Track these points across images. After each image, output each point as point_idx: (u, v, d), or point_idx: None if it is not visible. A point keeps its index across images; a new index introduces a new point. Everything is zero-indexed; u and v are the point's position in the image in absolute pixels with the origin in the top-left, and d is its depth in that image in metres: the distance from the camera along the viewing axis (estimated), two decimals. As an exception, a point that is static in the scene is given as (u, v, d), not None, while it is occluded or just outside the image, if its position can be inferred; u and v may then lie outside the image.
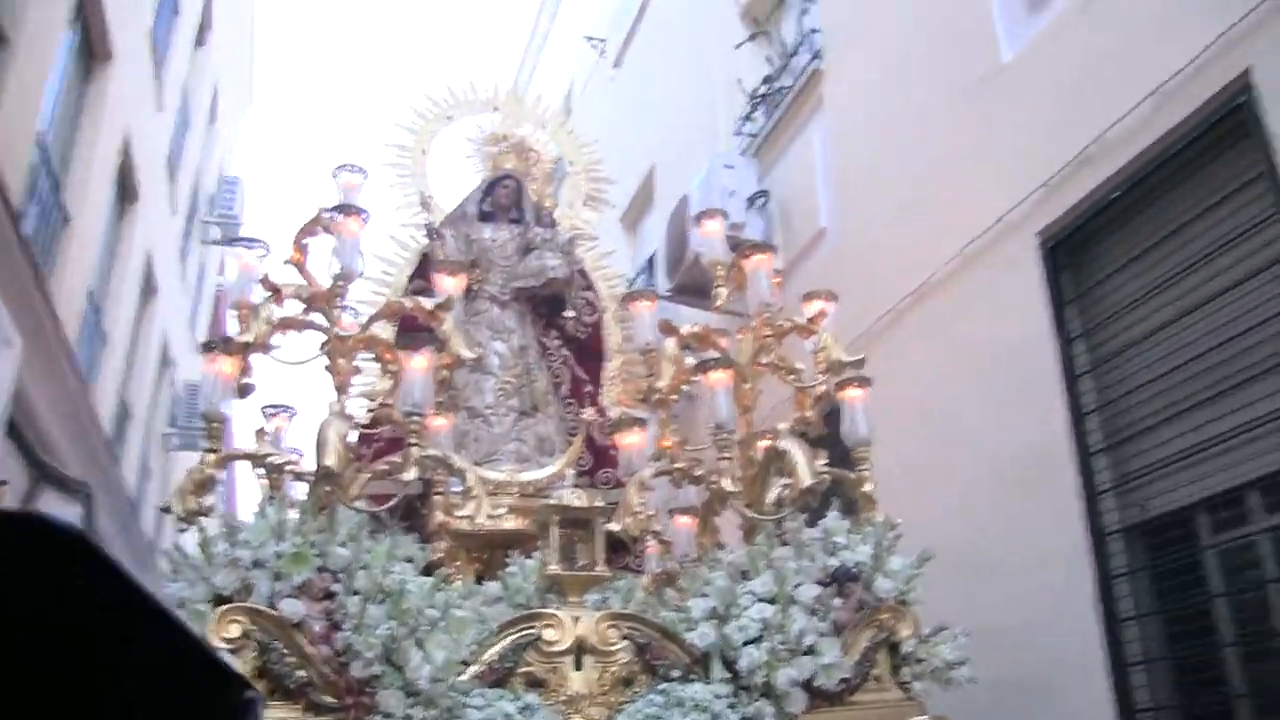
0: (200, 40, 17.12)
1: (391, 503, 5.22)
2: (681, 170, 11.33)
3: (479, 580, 5.82)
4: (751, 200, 9.43)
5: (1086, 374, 5.82)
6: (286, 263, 5.59)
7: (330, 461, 4.67)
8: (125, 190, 12.95)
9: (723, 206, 8.09)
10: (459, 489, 5.84)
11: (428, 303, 5.78)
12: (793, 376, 5.81)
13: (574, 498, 5.24)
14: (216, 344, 5.34)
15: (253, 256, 5.67)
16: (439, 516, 5.93)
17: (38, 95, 9.11)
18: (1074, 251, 6.04)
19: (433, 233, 7.16)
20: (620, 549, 6.04)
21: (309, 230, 5.51)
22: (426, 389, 5.13)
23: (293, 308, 5.43)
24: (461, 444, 6.51)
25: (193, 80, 17.03)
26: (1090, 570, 5.53)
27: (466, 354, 5.85)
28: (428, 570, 5.19)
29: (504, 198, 7.56)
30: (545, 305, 7.39)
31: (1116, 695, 5.30)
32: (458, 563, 6.09)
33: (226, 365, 5.17)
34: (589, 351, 7.45)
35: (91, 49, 10.87)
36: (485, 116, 7.96)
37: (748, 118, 10.42)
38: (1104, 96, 5.71)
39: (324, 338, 5.41)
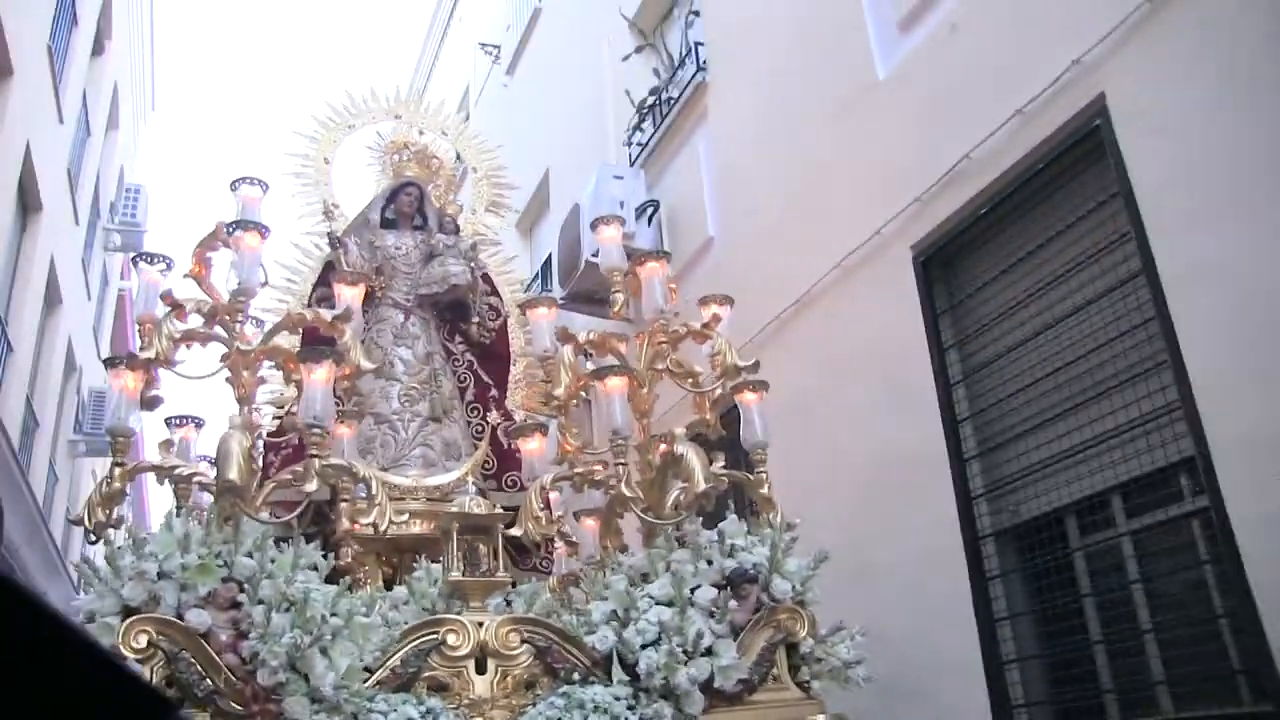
0: (98, 49, 17.02)
1: (297, 511, 5.19)
2: (576, 177, 11.31)
3: (388, 584, 5.79)
4: (641, 210, 9.46)
5: (960, 383, 5.95)
6: (187, 276, 5.56)
7: (232, 475, 4.66)
8: (26, 202, 12.97)
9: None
10: (362, 495, 5.73)
11: (327, 314, 5.77)
12: (691, 380, 5.85)
13: (475, 505, 5.27)
14: (120, 359, 5.33)
15: (155, 271, 5.63)
16: (345, 523, 5.81)
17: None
18: (946, 264, 6.17)
19: (335, 241, 7.03)
20: (527, 550, 6.15)
21: (209, 244, 5.49)
22: (327, 401, 5.10)
23: (197, 320, 5.40)
24: (369, 450, 6.52)
25: (91, 89, 16.84)
26: (966, 572, 5.65)
27: (366, 365, 5.84)
28: (337, 576, 5.20)
29: (406, 205, 7.50)
30: (449, 311, 7.36)
31: (991, 693, 5.41)
32: (366, 567, 6.05)
33: (130, 380, 5.18)
34: (494, 355, 7.46)
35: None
36: (387, 123, 7.86)
37: (637, 128, 10.45)
38: (971, 115, 5.88)
39: (226, 350, 5.39)
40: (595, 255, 8.76)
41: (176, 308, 5.38)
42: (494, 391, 7.26)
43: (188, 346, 5.48)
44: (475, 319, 7.28)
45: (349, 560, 5.91)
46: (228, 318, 5.39)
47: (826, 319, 7.09)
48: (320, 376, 5.05)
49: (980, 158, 5.77)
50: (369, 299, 6.92)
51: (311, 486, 4.94)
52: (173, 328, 5.33)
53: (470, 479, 6.22)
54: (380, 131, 7.83)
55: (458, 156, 8.32)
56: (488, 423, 7.05)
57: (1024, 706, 5.35)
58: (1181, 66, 4.81)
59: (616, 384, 5.38)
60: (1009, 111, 5.58)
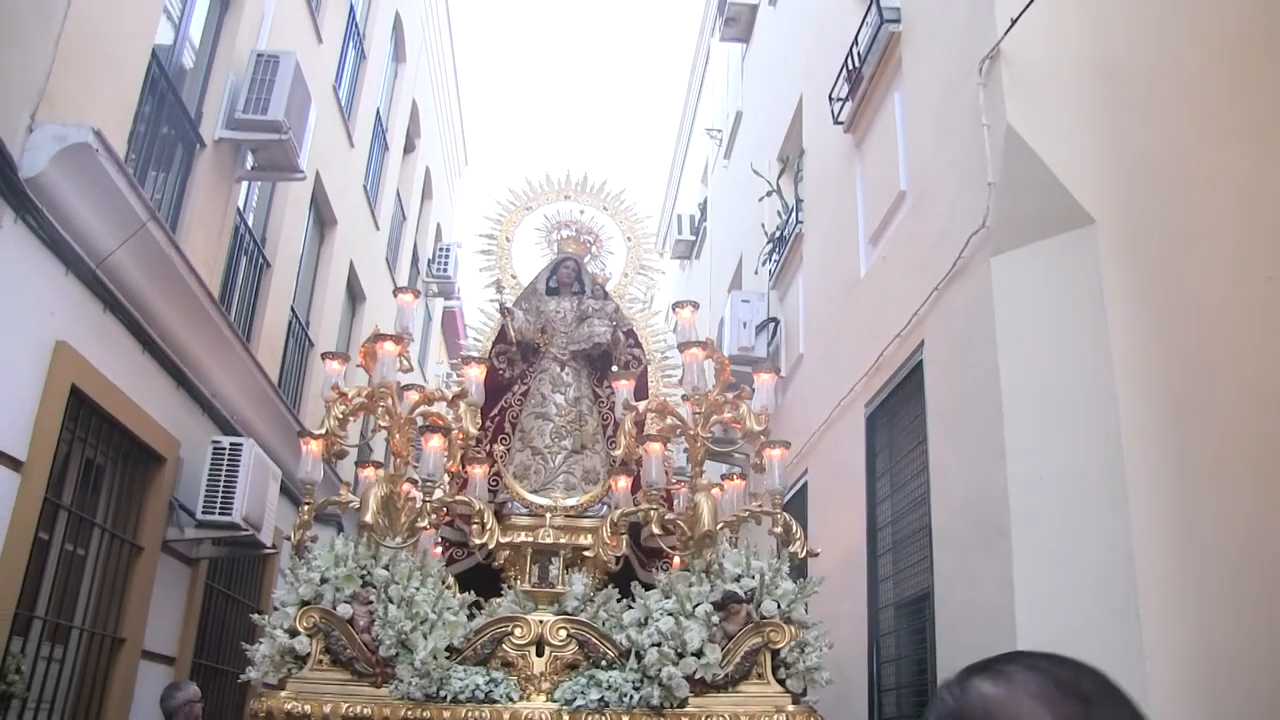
0: (409, 147, 17.73)
1: (411, 539, 6.15)
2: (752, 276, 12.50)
3: (540, 580, 6.49)
4: (761, 326, 10.75)
5: (886, 500, 7.34)
6: (359, 366, 6.63)
7: (366, 517, 5.82)
8: (353, 294, 14.32)
9: (737, 334, 10.04)
10: (522, 512, 6.95)
11: (449, 393, 6.83)
12: (741, 433, 6.44)
13: (545, 535, 6.39)
14: (306, 433, 6.37)
15: (334, 364, 6.57)
16: (475, 540, 6.60)
17: (290, 288, 10.62)
18: (884, 416, 7.54)
19: (504, 310, 7.69)
20: (655, 555, 7.20)
21: (370, 346, 6.44)
22: (438, 461, 6.04)
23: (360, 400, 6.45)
24: (524, 475, 7.25)
25: (404, 184, 17.47)
26: (867, 630, 7.04)
27: (473, 432, 6.83)
28: (494, 574, 6.70)
29: (566, 276, 8.13)
30: (600, 361, 7.88)
31: (870, 711, 6.91)
32: (516, 566, 6.82)
33: (315, 446, 6.17)
34: (635, 397, 7.39)
35: (322, 221, 12.59)
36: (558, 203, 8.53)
37: (771, 254, 11.62)
38: (890, 323, 7.16)
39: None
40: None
41: (341, 395, 6.32)
42: (629, 429, 7.31)
43: (355, 418, 6.53)
44: (615, 369, 7.59)
45: (502, 561, 6.80)
46: (382, 400, 6.33)
47: (833, 438, 8.47)
48: (435, 445, 6.04)
49: (888, 356, 7.21)
50: (536, 352, 7.73)
51: (423, 523, 6.11)
52: (338, 410, 6.28)
53: (601, 500, 7.20)
54: (546, 214, 8.45)
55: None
56: (614, 455, 7.20)
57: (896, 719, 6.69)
58: (958, 331, 6.01)
59: (655, 447, 6.09)
60: (896, 330, 6.95)
